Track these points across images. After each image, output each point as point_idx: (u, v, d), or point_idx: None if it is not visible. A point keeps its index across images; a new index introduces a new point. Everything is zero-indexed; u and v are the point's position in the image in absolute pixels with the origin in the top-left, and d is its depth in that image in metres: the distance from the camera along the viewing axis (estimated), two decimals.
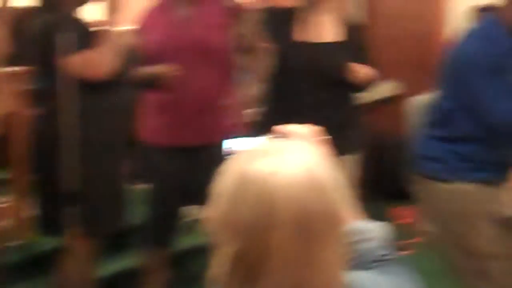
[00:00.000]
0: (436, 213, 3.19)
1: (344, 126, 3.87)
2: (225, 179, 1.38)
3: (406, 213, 5.57)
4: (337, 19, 3.89)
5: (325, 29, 3.81)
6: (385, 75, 6.46)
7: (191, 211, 4.69)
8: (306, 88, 3.76)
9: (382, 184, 5.91)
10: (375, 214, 5.45)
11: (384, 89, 5.79)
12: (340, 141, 3.87)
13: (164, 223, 3.94)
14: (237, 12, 3.77)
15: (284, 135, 1.64)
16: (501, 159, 3.11)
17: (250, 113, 4.95)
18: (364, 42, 4.01)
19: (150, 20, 3.80)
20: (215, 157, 1.64)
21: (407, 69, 6.92)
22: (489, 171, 3.11)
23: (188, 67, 3.68)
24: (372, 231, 1.63)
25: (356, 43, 3.87)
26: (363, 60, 3.78)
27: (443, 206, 3.13)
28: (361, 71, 3.67)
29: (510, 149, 3.10)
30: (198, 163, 3.75)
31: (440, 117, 3.12)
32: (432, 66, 6.59)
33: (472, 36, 3.02)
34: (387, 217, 5.58)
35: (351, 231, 1.54)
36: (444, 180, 3.10)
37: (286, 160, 1.35)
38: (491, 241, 3.10)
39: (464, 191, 3.09)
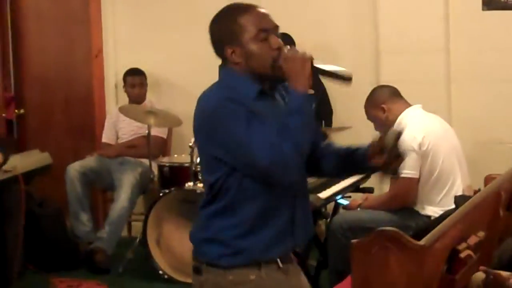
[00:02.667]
0: None
1: None
2: None
3: (64, 284, 5.34)
4: None
5: None
6: (35, 143, 6.26)
7: None
8: None
9: (43, 254, 5.61)
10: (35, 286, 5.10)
11: (35, 159, 5.55)
12: None
13: None
14: None
15: None
16: (286, 219, 2.70)
17: None
18: None
19: None
20: None
21: (61, 135, 6.74)
22: (278, 244, 2.68)
23: None
24: None
25: None
26: None
27: None
28: None
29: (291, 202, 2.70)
30: None
31: (207, 189, 2.69)
32: (91, 130, 6.65)
33: (206, 93, 2.67)
34: None
35: None
36: (223, 267, 2.66)
37: None
38: None
39: (249, 282, 2.64)
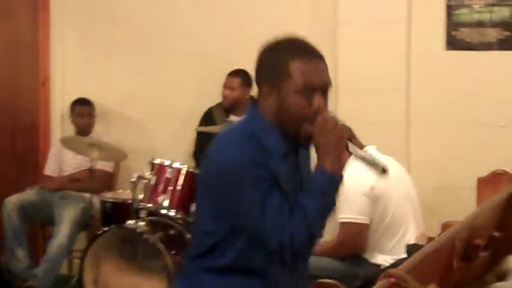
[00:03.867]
0: None
1: None
2: None
3: None
4: None
5: None
6: None
7: None
8: None
9: None
10: None
11: None
12: None
13: None
14: None
15: None
16: None
17: None
18: None
19: None
20: None
21: (4, 165, 6.41)
22: None
23: None
24: None
25: None
26: None
27: None
28: None
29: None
30: None
31: (204, 243, 2.44)
32: (35, 161, 6.35)
33: (228, 138, 2.41)
34: None
35: None
36: None
37: None
38: None
39: None
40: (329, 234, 4.73)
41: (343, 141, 2.35)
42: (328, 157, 2.33)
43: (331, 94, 5.56)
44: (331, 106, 5.42)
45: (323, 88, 2.38)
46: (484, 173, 4.96)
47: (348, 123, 4.46)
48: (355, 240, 4.11)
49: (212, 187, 2.37)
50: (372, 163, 2.39)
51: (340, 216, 4.11)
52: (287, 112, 2.34)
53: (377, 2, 5.48)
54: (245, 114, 2.48)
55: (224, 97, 5.61)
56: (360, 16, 5.51)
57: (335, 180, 2.35)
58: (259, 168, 2.28)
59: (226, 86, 5.60)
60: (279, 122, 2.37)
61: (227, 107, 5.60)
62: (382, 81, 5.44)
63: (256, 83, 2.45)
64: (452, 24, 5.39)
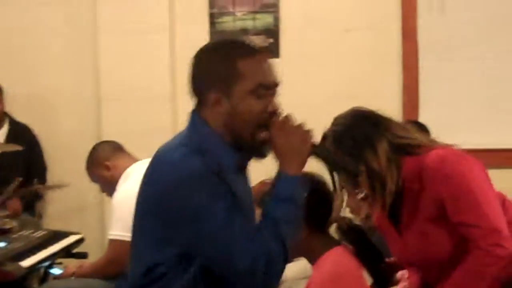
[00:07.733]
0: None
1: None
2: None
3: None
4: None
5: None
6: None
7: None
8: None
9: None
10: None
11: None
12: None
13: None
14: None
15: None
16: None
17: None
18: None
19: None
20: None
21: None
22: None
23: None
24: None
25: None
26: None
27: None
28: None
29: None
30: None
31: (146, 277, 2.15)
32: None
33: (171, 155, 2.09)
34: None
35: None
36: None
37: None
38: None
39: None
40: (97, 253, 4.51)
41: (307, 143, 2.12)
42: (292, 160, 2.10)
43: (93, 106, 5.40)
44: (93, 118, 5.28)
45: (275, 86, 2.16)
46: None
47: (115, 134, 4.30)
48: (125, 258, 3.86)
49: (159, 210, 2.07)
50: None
51: (109, 233, 3.86)
52: (242, 118, 2.11)
53: (138, 11, 5.30)
54: (186, 128, 2.18)
55: None
56: (121, 25, 5.31)
57: (301, 183, 2.13)
58: (218, 179, 2.02)
59: None
60: (231, 132, 2.13)
61: None
62: (147, 90, 5.27)
63: (196, 93, 2.17)
64: (216, 33, 5.30)
